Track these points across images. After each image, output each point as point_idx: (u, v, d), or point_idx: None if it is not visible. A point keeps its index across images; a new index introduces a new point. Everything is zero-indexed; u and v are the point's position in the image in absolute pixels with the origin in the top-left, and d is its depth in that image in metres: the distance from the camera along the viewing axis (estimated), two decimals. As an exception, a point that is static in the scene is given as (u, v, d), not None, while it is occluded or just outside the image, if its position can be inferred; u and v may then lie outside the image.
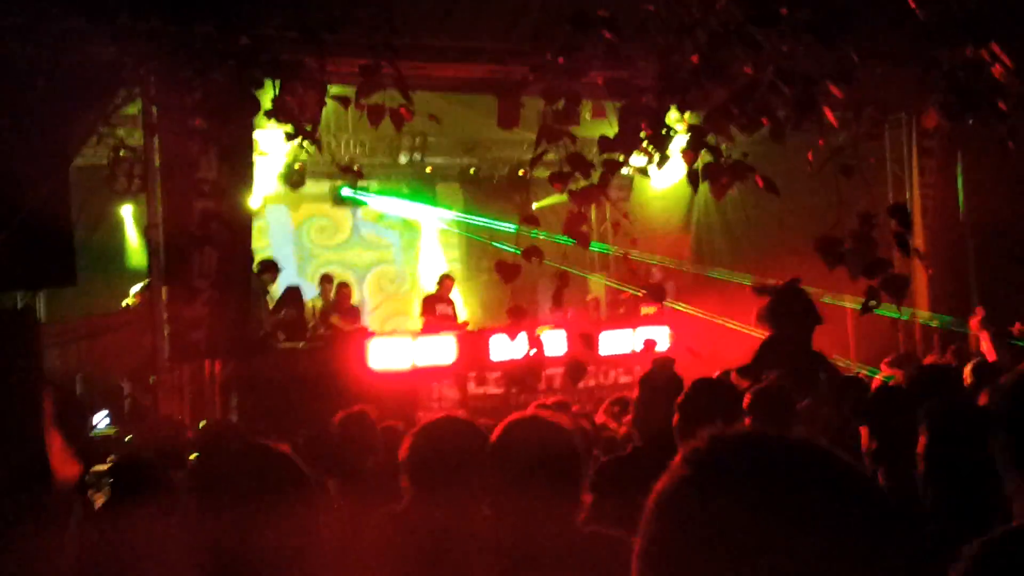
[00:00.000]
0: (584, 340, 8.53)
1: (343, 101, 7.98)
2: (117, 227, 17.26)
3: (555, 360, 12.00)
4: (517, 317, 7.44)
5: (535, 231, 7.37)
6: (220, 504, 2.98)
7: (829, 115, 7.20)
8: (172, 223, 11.66)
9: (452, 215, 21.02)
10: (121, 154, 14.26)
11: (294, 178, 18.10)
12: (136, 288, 14.66)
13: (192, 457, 7.15)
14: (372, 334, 15.98)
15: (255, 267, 13.72)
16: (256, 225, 13.61)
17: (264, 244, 18.07)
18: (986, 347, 9.53)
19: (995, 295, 12.66)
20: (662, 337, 16.19)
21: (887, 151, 15.30)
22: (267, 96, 8.17)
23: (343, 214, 20.62)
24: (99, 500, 6.03)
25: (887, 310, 7.71)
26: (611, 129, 7.16)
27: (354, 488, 5.64)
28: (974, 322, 10.20)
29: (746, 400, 5.77)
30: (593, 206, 7.56)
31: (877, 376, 8.69)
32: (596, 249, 17.58)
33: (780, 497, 1.32)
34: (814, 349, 9.23)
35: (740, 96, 6.93)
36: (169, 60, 8.11)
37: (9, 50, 7.73)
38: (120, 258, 16.90)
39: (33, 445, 4.00)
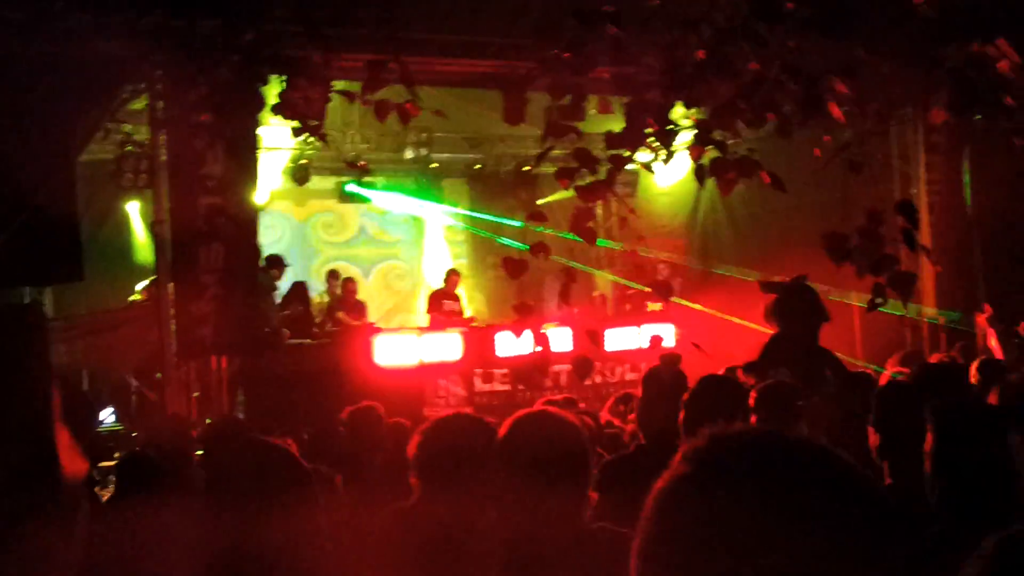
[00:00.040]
0: (591, 336, 8.51)
1: (349, 96, 7.99)
2: (124, 223, 17.25)
3: (561, 356, 12.01)
4: (524, 314, 7.43)
5: (541, 227, 7.36)
6: (223, 500, 2.99)
7: (835, 111, 7.19)
8: (178, 219, 11.67)
9: (458, 211, 21.00)
10: (127, 150, 14.26)
11: (299, 174, 18.11)
12: (142, 284, 14.67)
13: (198, 453, 7.16)
14: (378, 330, 15.98)
15: (261, 262, 13.72)
16: (262, 221, 13.61)
17: (270, 240, 18.06)
18: (994, 344, 9.52)
19: (1002, 292, 12.63)
20: (668, 334, 16.19)
21: (893, 147, 15.26)
22: (272, 91, 8.18)
23: (349, 210, 20.60)
24: (105, 496, 6.04)
25: (893, 308, 7.72)
26: (617, 125, 7.16)
27: (362, 484, 5.64)
28: (982, 319, 10.18)
29: (752, 397, 5.76)
30: (599, 202, 7.54)
31: (884, 373, 8.68)
32: (602, 245, 17.58)
33: (779, 496, 1.32)
34: (821, 346, 9.21)
35: (746, 92, 6.92)
36: (174, 56, 8.12)
37: (14, 46, 7.73)
38: (127, 254, 16.90)
39: (42, 441, 4.00)
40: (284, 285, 16.01)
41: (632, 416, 8.40)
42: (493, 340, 15.45)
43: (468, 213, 20.95)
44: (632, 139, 6.97)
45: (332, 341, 15.58)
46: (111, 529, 4.54)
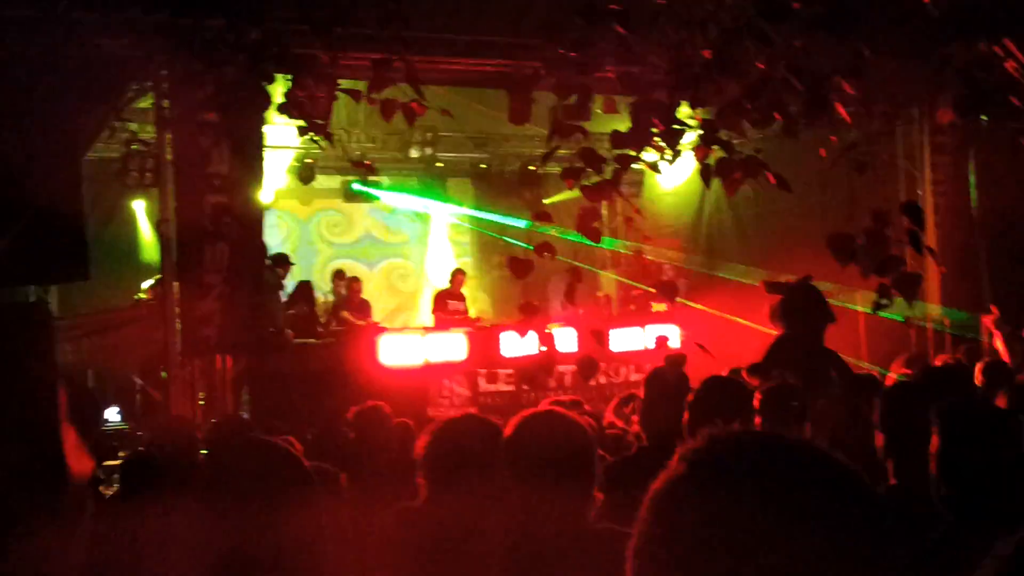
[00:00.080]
0: (595, 336, 8.52)
1: (354, 95, 7.98)
2: (129, 221, 17.28)
3: (566, 357, 12.00)
4: (529, 314, 7.43)
5: (546, 227, 7.36)
6: (223, 500, 2.99)
7: (841, 111, 7.19)
8: (184, 218, 11.68)
9: (463, 210, 21.01)
10: (133, 148, 14.27)
11: (305, 173, 18.12)
12: (148, 283, 14.69)
13: (202, 453, 7.16)
14: (383, 330, 15.99)
15: (267, 261, 13.73)
16: (266, 219, 13.62)
17: (274, 238, 18.07)
18: (1000, 347, 9.50)
19: (1008, 294, 12.61)
20: (673, 335, 16.18)
21: (899, 148, 15.24)
22: (277, 90, 8.18)
23: (354, 208, 20.61)
24: (107, 495, 6.04)
25: (898, 310, 7.69)
26: (623, 124, 7.16)
27: (367, 483, 5.64)
28: (988, 321, 10.17)
29: (757, 399, 5.75)
30: (605, 202, 7.55)
31: (889, 375, 8.67)
32: (607, 246, 17.58)
33: (776, 497, 1.33)
34: (826, 347, 9.20)
35: (752, 92, 6.92)
36: (180, 54, 8.12)
37: (20, 44, 7.74)
38: (132, 253, 16.92)
39: (48, 439, 4.00)
40: (289, 284, 16.02)
41: (635, 417, 8.41)
42: (498, 340, 15.44)
43: (473, 213, 20.95)
44: (638, 139, 6.96)
45: (337, 341, 15.59)
46: (115, 529, 4.54)
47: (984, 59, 7.22)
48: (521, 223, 18.35)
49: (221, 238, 11.40)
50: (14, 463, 3.82)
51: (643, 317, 17.29)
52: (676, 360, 9.17)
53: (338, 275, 17.65)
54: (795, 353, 8.79)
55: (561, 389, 14.21)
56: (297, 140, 14.76)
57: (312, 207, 20.45)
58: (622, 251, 18.29)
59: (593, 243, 7.41)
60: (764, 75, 6.89)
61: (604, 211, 15.70)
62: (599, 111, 8.34)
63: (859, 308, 13.23)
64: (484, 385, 15.36)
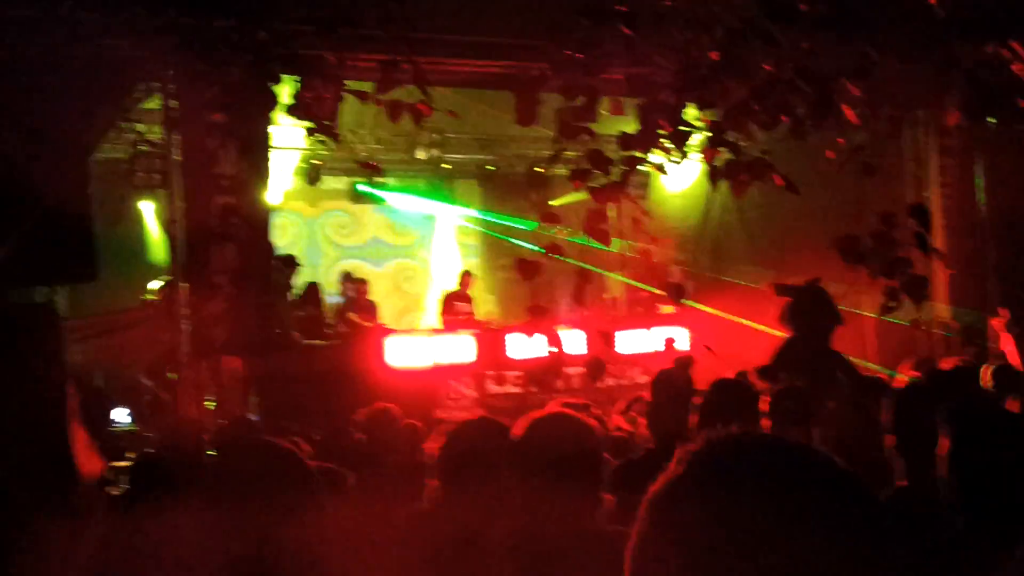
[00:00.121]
0: (603, 337, 8.51)
1: (362, 96, 8.00)
2: (137, 222, 17.30)
3: (573, 359, 12.00)
4: (537, 315, 7.44)
5: (553, 229, 7.37)
6: (228, 502, 3.00)
7: (848, 113, 7.18)
8: (192, 218, 11.70)
9: (470, 212, 21.01)
10: (141, 149, 14.29)
11: (311, 174, 18.13)
12: (156, 284, 14.70)
13: (208, 454, 7.17)
14: (390, 331, 15.99)
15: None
16: (274, 220, 13.64)
17: (282, 240, 18.07)
18: (1009, 350, 9.48)
19: (1016, 295, 12.59)
20: (681, 337, 16.16)
21: (906, 150, 15.22)
22: (284, 91, 8.19)
23: (361, 210, 20.61)
24: (116, 495, 6.05)
25: (904, 316, 7.68)
26: (630, 126, 7.16)
27: (376, 484, 5.64)
28: (997, 323, 10.14)
29: (765, 401, 5.75)
30: (612, 204, 7.55)
31: (898, 378, 8.66)
32: (614, 249, 17.56)
33: (772, 499, 1.33)
34: (833, 349, 9.19)
35: (759, 93, 6.92)
36: (187, 55, 8.13)
37: (28, 44, 7.75)
38: (140, 253, 16.93)
39: (57, 439, 4.02)
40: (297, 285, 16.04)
41: (641, 419, 8.41)
42: (505, 342, 15.43)
43: (480, 215, 20.95)
44: (645, 140, 6.97)
45: (344, 342, 15.59)
46: (123, 529, 4.55)
47: (991, 61, 7.22)
48: (528, 225, 18.37)
49: (229, 239, 11.41)
50: (24, 463, 3.84)
51: (650, 319, 17.27)
52: (684, 362, 9.17)
53: (345, 277, 17.66)
54: (803, 355, 8.78)
55: (568, 391, 14.20)
56: (304, 141, 14.81)
57: (319, 208, 20.45)
58: (629, 254, 18.25)
59: (603, 246, 7.41)
60: (771, 77, 6.89)
61: (612, 213, 15.71)
62: (605, 112, 8.34)
63: (867, 314, 13.21)
64: (492, 387, 15.35)
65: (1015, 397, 5.43)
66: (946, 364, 7.92)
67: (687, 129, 7.09)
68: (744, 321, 14.73)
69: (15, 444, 3.98)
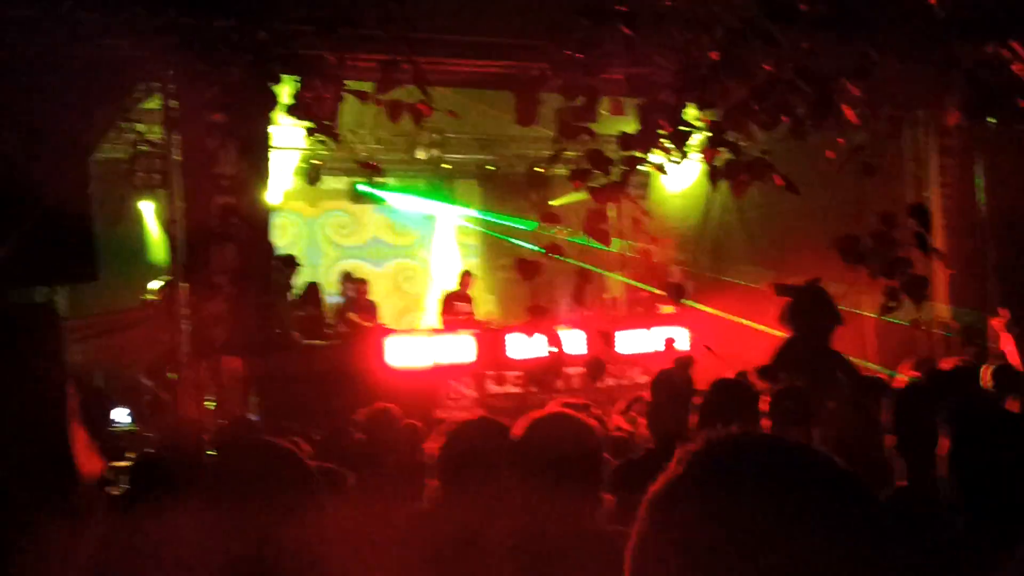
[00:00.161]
0: (603, 336, 8.51)
1: (362, 96, 8.00)
2: (137, 222, 17.30)
3: (574, 359, 12.00)
4: (537, 315, 7.44)
5: (553, 229, 7.37)
6: (227, 501, 3.00)
7: (848, 113, 7.19)
8: (192, 219, 11.70)
9: (470, 212, 21.01)
10: (140, 149, 14.29)
11: (311, 174, 18.13)
12: (156, 284, 14.70)
13: (208, 454, 7.17)
14: (390, 331, 15.99)
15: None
16: (274, 220, 13.64)
17: (282, 240, 18.07)
18: (1009, 350, 9.48)
19: (1016, 295, 12.59)
20: (681, 337, 16.17)
21: (906, 150, 15.21)
22: (283, 91, 8.19)
23: (361, 209, 20.62)
24: (116, 495, 6.05)
25: (904, 316, 7.67)
26: (630, 126, 7.16)
27: (376, 484, 5.64)
28: (998, 323, 10.13)
29: (765, 402, 5.75)
30: (612, 204, 7.56)
31: (898, 378, 8.66)
32: (614, 249, 17.55)
33: (771, 499, 1.33)
34: (833, 349, 9.19)
35: (759, 93, 6.92)
36: (187, 54, 8.13)
37: (27, 44, 7.75)
38: (140, 253, 16.93)
39: (57, 439, 4.02)
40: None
41: (641, 419, 8.40)
42: (505, 342, 15.43)
43: (480, 215, 20.95)
44: (645, 140, 6.97)
45: (344, 342, 15.59)
46: (123, 529, 4.55)
47: (991, 61, 7.22)
48: (528, 225, 18.37)
49: (229, 239, 11.41)
50: (24, 463, 3.84)
51: (651, 319, 17.27)
52: (684, 362, 9.17)
53: (346, 276, 17.66)
54: (803, 355, 8.79)
55: (568, 391, 14.20)
56: (304, 141, 14.81)
57: (319, 208, 20.46)
58: (629, 254, 18.23)
59: (603, 246, 7.41)
60: (771, 77, 6.89)
61: (612, 213, 15.72)
62: (605, 112, 8.35)
63: (867, 314, 13.20)
64: (492, 387, 15.34)
65: (1015, 397, 5.43)
66: (946, 364, 7.93)
67: (687, 129, 7.09)
68: (744, 321, 14.73)
69: (15, 444, 3.98)
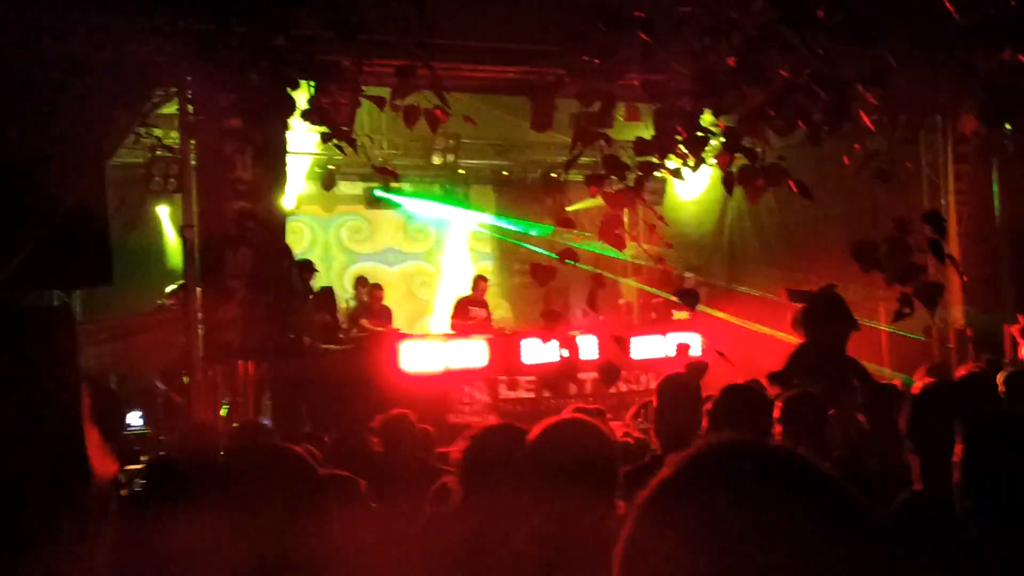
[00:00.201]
0: (617, 341, 8.50)
1: (378, 102, 8.01)
2: (154, 227, 17.36)
3: (587, 364, 11.98)
4: (551, 321, 7.44)
5: (569, 234, 7.37)
6: (236, 505, 3.01)
7: (865, 119, 7.18)
8: (208, 223, 11.72)
9: (485, 218, 21.02)
10: (158, 154, 14.33)
11: (327, 179, 18.15)
12: (171, 288, 14.74)
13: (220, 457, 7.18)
14: (404, 336, 15.99)
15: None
16: (290, 224, 13.68)
17: (298, 245, 18.10)
18: (1024, 356, 9.46)
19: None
20: (694, 342, 16.15)
21: (922, 156, 15.18)
22: (300, 96, 8.21)
23: (376, 214, 20.64)
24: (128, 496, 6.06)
25: (919, 322, 7.65)
26: (645, 132, 7.16)
27: (391, 490, 5.65)
28: (1014, 330, 10.12)
29: (777, 407, 5.74)
30: (627, 210, 7.56)
31: (915, 385, 8.66)
32: (627, 256, 17.55)
33: (759, 504, 1.34)
34: (848, 355, 9.18)
35: (776, 99, 6.91)
36: (205, 60, 8.16)
37: (45, 49, 7.78)
38: (157, 258, 17.00)
39: (72, 441, 4.03)
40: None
41: (650, 426, 8.40)
42: (518, 347, 15.42)
43: (495, 220, 20.96)
44: (662, 146, 6.97)
45: (358, 347, 15.60)
46: (137, 531, 4.57)
47: (1008, 68, 7.20)
48: (542, 230, 18.38)
49: (244, 243, 11.42)
50: (39, 464, 3.85)
51: (664, 325, 17.25)
52: (696, 368, 9.15)
53: (360, 281, 17.67)
54: (816, 361, 8.77)
55: (581, 396, 14.20)
56: (318, 146, 14.85)
57: (334, 213, 20.49)
58: (642, 262, 18.21)
59: (618, 251, 7.41)
60: (787, 83, 6.88)
61: (626, 218, 15.71)
62: (619, 118, 8.35)
63: (881, 326, 13.20)
64: (505, 392, 15.32)
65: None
66: (962, 370, 7.92)
67: (704, 135, 7.09)
68: (759, 327, 14.71)
69: (30, 446, 3.99)
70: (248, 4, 7.75)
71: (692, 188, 17.84)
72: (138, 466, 7.59)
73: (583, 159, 7.74)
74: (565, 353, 7.58)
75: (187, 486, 5.20)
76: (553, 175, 18.93)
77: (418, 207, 20.42)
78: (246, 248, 11.53)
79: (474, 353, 15.49)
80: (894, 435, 4.21)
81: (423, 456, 6.83)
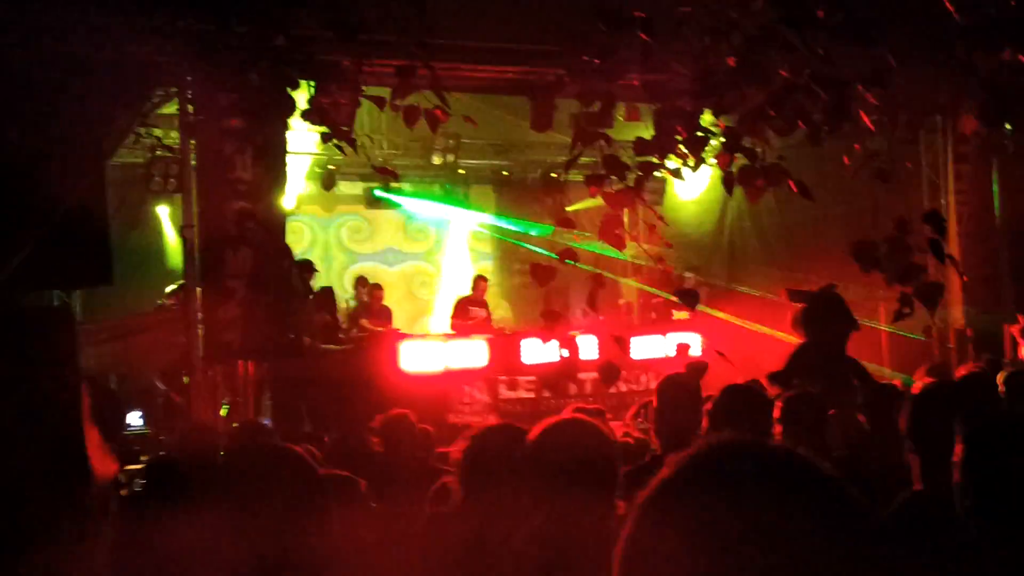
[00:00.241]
0: (617, 341, 8.50)
1: (378, 102, 8.01)
2: (154, 227, 17.36)
3: (587, 364, 11.97)
4: (551, 321, 7.43)
5: (569, 234, 7.38)
6: (231, 503, 3.01)
7: (865, 119, 7.18)
8: (208, 223, 11.72)
9: (484, 218, 21.02)
10: (158, 154, 14.33)
11: (327, 179, 18.15)
12: (171, 288, 14.74)
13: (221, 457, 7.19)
14: (404, 336, 15.98)
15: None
16: (290, 224, 13.67)
17: (297, 245, 18.08)
18: (1024, 355, 9.46)
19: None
20: (694, 342, 16.13)
21: (922, 156, 15.16)
22: (300, 96, 8.21)
23: (376, 214, 20.64)
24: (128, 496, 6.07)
25: (919, 322, 7.65)
26: (645, 132, 7.16)
27: (391, 490, 5.65)
28: (1015, 330, 10.12)
29: (777, 407, 5.74)
30: (627, 210, 7.56)
31: (915, 385, 8.66)
32: (626, 256, 17.55)
33: (750, 504, 1.34)
34: (848, 355, 9.18)
35: (775, 99, 6.91)
36: (205, 60, 8.16)
37: (45, 48, 7.78)
38: (157, 258, 17.00)
39: (71, 441, 4.03)
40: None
41: (650, 426, 8.40)
42: (518, 347, 15.42)
43: (495, 220, 20.96)
44: (662, 146, 6.97)
45: (358, 347, 15.59)
46: (137, 530, 4.57)
47: (1008, 68, 7.20)
48: (542, 230, 18.38)
49: (244, 244, 11.42)
50: (39, 464, 3.85)
51: (664, 325, 17.24)
52: (696, 368, 9.15)
53: (360, 281, 17.66)
54: (816, 361, 8.78)
55: (581, 396, 14.20)
56: (318, 146, 14.84)
57: (334, 213, 20.49)
58: (642, 263, 18.20)
59: (618, 251, 7.41)
60: (787, 83, 6.88)
61: (627, 218, 15.72)
62: (619, 118, 8.36)
63: (882, 326, 13.19)
64: (505, 392, 15.32)
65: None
66: (962, 370, 7.92)
67: (704, 135, 7.09)
68: (759, 327, 14.71)
69: (30, 446, 4.00)
70: (248, 4, 7.75)
71: (692, 188, 17.84)
72: (138, 466, 7.59)
73: (583, 159, 7.74)
74: (565, 353, 7.57)
75: (187, 486, 5.20)
76: (553, 175, 18.92)
77: (418, 207, 20.42)
78: (246, 248, 11.53)
79: (474, 353, 15.49)
80: (894, 435, 4.21)
81: (423, 456, 6.83)
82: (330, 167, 17.98)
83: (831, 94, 6.83)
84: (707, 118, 7.18)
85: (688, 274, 17.76)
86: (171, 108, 12.08)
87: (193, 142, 11.90)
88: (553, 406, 12.56)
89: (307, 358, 13.78)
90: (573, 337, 8.32)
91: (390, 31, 7.63)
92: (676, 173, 7.59)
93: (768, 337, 13.55)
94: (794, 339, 9.64)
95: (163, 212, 17.31)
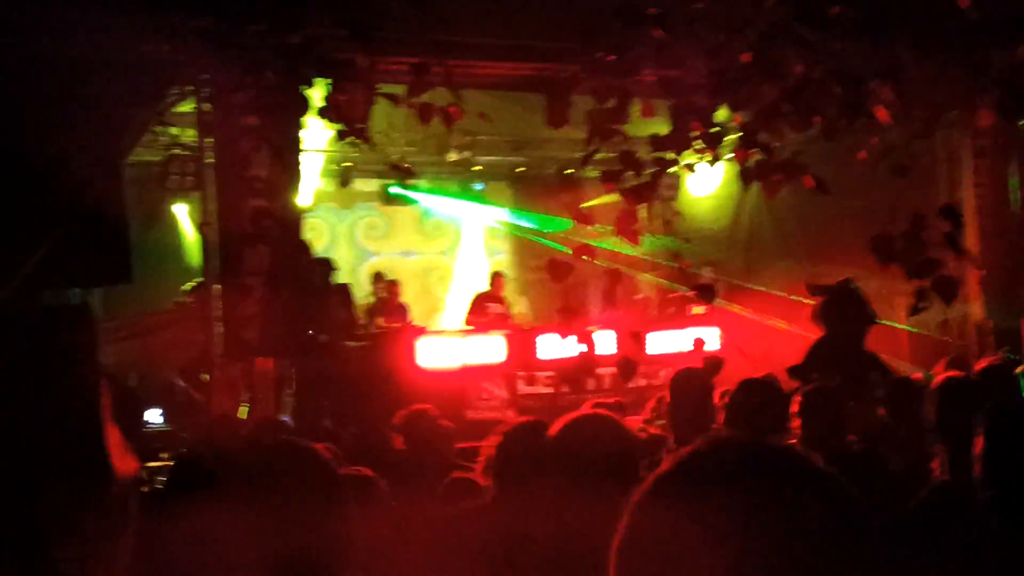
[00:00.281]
0: (633, 337, 8.51)
1: (393, 99, 8.03)
2: (172, 225, 17.41)
3: (605, 359, 11.96)
4: (569, 316, 7.45)
5: (586, 230, 7.39)
6: (256, 502, 3.03)
7: (880, 114, 7.16)
8: (225, 221, 11.75)
9: (500, 214, 21.02)
10: (175, 152, 14.38)
11: (344, 176, 18.17)
12: (189, 285, 14.78)
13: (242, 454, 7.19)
14: (422, 331, 15.98)
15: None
16: (308, 221, 13.68)
17: (318, 241, 18.10)
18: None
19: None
20: (712, 337, 16.11)
21: (939, 151, 15.11)
22: (315, 94, 8.24)
23: (392, 211, 20.66)
24: (149, 493, 6.10)
25: (935, 316, 7.63)
26: (660, 127, 7.17)
27: (414, 485, 5.65)
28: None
29: (795, 401, 5.73)
30: (643, 205, 7.57)
31: (936, 378, 8.65)
32: (646, 250, 17.53)
33: (744, 500, 1.35)
34: (867, 349, 9.16)
35: (791, 95, 6.91)
36: (221, 58, 8.19)
37: (64, 48, 7.82)
38: (175, 256, 17.03)
39: (92, 439, 4.05)
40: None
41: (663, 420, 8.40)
42: (536, 342, 15.41)
43: (511, 216, 20.96)
44: (678, 142, 6.97)
45: (375, 343, 15.60)
46: (160, 528, 4.59)
47: (1023, 64, 7.18)
48: (559, 226, 18.37)
49: (261, 241, 11.45)
50: (59, 463, 3.88)
51: (682, 320, 17.22)
52: (712, 362, 9.15)
53: (377, 277, 17.68)
54: (836, 355, 8.76)
55: (599, 391, 14.18)
56: (331, 144, 14.87)
57: (351, 209, 20.52)
58: (659, 259, 18.17)
59: (634, 247, 7.42)
60: (802, 78, 6.88)
61: (643, 214, 15.70)
62: (635, 114, 8.36)
63: (898, 326, 13.15)
64: (523, 387, 15.31)
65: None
66: (983, 363, 7.90)
67: (719, 130, 7.09)
68: (776, 322, 14.69)
69: (50, 444, 4.02)
70: (263, 3, 7.78)
71: (708, 183, 17.80)
72: (158, 463, 7.63)
73: (599, 155, 7.75)
74: (583, 348, 7.58)
75: (208, 483, 5.23)
76: (569, 171, 18.90)
77: (434, 204, 20.43)
78: (264, 246, 11.56)
79: (492, 349, 15.48)
80: (914, 429, 4.22)
81: (445, 452, 6.83)
82: (346, 164, 17.99)
83: (846, 89, 6.82)
84: (722, 114, 7.18)
85: (705, 269, 17.73)
86: (187, 106, 12.12)
87: (210, 140, 11.93)
88: (572, 401, 12.55)
89: (326, 355, 13.80)
90: (590, 332, 8.32)
91: (405, 29, 7.64)
92: (692, 168, 7.59)
93: (786, 331, 13.53)
94: (813, 333, 9.63)
95: (180, 210, 17.35)
